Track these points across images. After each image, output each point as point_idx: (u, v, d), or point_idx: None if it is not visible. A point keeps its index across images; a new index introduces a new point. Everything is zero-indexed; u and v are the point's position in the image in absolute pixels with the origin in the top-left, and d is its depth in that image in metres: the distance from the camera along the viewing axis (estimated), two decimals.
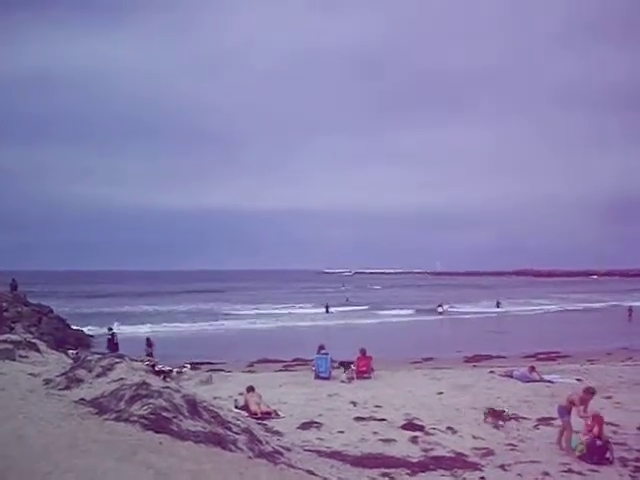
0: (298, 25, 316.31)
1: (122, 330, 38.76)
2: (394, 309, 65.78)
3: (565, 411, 12.99)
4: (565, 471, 11.54)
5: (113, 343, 28.01)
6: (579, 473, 11.48)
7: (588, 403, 12.90)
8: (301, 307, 68.93)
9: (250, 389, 17.04)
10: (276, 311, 64.07)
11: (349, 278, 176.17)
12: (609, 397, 17.89)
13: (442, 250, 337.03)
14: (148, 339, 28.10)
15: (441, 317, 59.60)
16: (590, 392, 13.01)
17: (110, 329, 30.62)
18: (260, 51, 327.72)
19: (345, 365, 22.44)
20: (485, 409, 15.84)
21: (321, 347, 23.44)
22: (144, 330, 42.67)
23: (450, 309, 64.72)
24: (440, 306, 63.31)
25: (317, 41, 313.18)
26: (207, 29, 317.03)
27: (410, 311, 64.00)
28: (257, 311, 63.95)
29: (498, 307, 67.17)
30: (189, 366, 23.65)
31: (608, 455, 12.04)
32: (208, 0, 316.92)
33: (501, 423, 15.01)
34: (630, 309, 51.03)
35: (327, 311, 63.44)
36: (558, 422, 13.45)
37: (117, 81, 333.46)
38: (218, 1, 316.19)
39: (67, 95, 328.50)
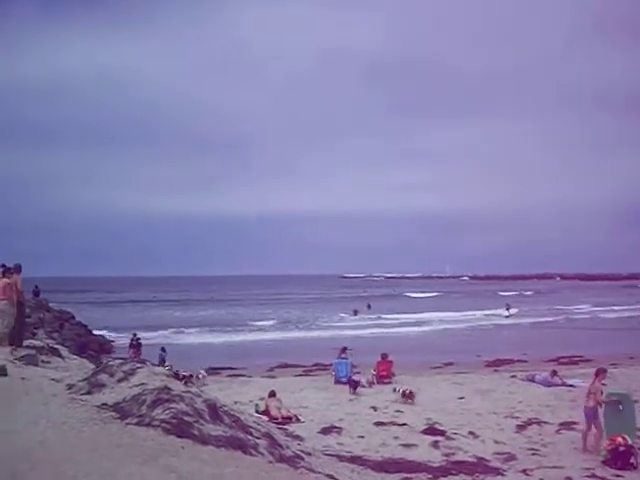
0: (314, 27, 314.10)
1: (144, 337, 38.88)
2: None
3: (592, 412, 12.95)
4: (588, 476, 11.43)
5: (137, 348, 28.95)
6: (603, 478, 11.35)
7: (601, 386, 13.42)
8: (327, 312, 67.99)
9: (272, 394, 17.10)
10: (298, 317, 63.76)
11: (376, 283, 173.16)
12: (635, 401, 17.64)
13: (454, 253, 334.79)
14: (162, 347, 28.91)
15: (510, 321, 55.18)
16: (601, 371, 13.66)
17: (135, 334, 31.39)
18: (276, 54, 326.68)
19: (352, 384, 20.44)
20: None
21: (342, 350, 23.35)
22: (160, 339, 42.58)
23: (518, 313, 59.69)
24: (508, 309, 59.69)
25: (333, 42, 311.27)
26: (221, 28, 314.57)
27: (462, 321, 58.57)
28: (280, 316, 63.74)
29: (508, 311, 62.19)
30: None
31: (632, 460, 11.90)
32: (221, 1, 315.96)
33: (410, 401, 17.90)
34: None
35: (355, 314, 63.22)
36: (580, 427, 13.32)
37: (125, 85, 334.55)
38: (233, 2, 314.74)
39: (73, 100, 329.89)
